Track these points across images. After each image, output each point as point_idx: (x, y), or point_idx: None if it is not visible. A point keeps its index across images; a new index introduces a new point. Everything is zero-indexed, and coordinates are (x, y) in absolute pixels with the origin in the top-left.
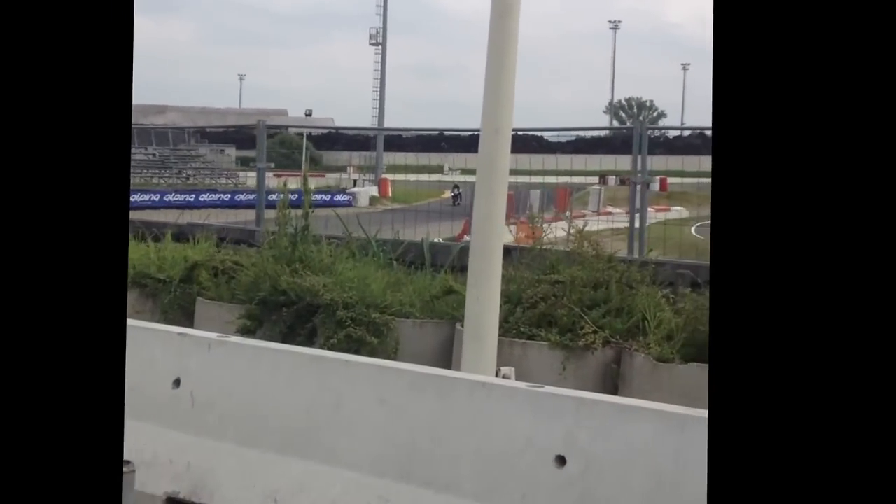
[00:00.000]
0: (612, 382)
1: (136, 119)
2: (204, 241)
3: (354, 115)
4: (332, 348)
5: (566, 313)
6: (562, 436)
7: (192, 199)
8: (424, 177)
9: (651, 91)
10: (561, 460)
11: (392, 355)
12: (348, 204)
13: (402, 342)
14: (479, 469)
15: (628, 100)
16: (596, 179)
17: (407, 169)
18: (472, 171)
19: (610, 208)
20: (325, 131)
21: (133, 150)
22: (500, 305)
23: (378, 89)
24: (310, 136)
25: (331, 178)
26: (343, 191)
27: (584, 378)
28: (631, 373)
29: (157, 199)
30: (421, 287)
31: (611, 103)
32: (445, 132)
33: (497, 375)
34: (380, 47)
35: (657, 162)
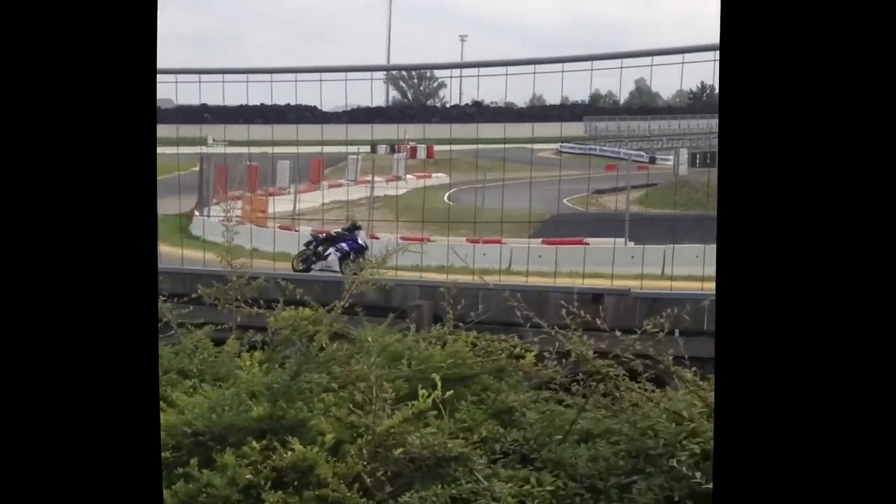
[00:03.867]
0: None
1: None
2: None
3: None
4: None
5: None
6: None
7: None
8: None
9: (430, 61)
10: None
11: None
12: None
13: None
14: None
15: (408, 70)
16: (368, 149)
17: None
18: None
19: (369, 178)
20: None
21: None
22: None
23: None
24: None
25: None
26: None
27: None
28: None
29: None
30: None
31: (387, 72)
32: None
33: None
34: None
35: (430, 131)
